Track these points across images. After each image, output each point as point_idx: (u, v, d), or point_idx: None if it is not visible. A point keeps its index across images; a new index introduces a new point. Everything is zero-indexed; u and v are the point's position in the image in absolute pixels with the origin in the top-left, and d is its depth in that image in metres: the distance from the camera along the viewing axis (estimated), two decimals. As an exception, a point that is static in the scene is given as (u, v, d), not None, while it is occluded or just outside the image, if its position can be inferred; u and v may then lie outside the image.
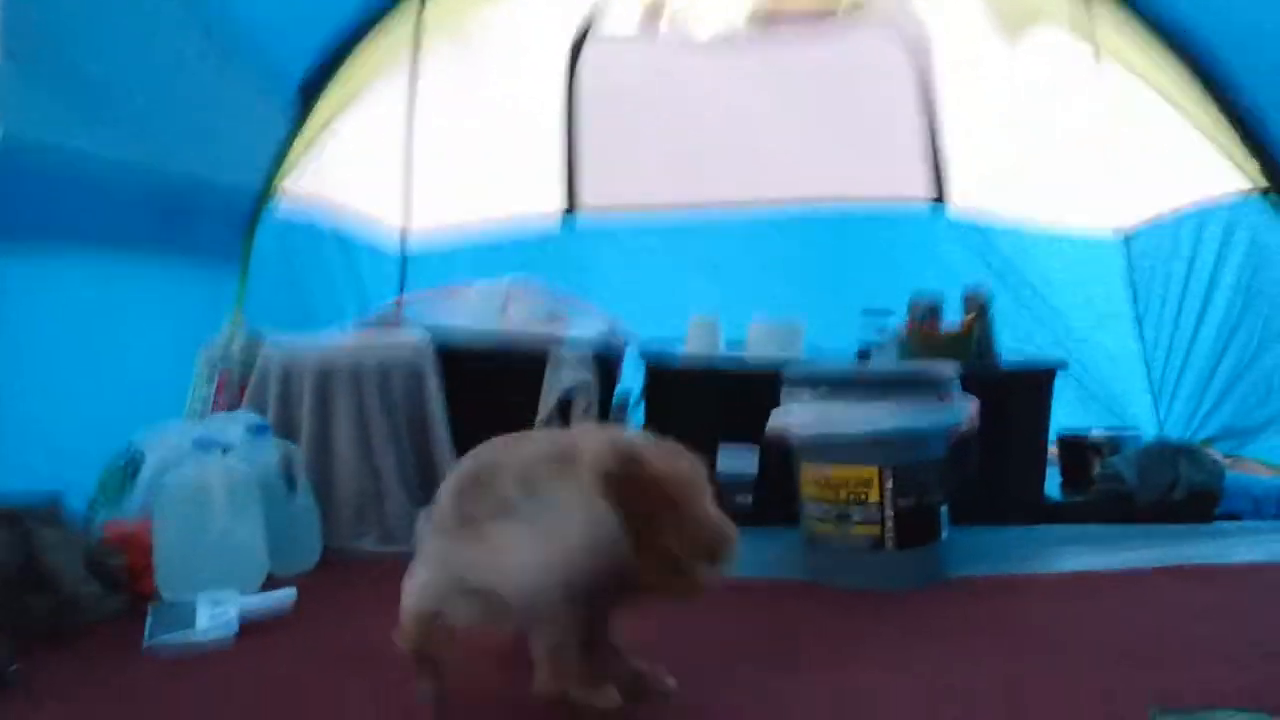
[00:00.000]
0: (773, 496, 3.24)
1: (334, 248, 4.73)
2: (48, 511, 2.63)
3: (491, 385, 3.61)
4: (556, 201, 5.14)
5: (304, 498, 3.02)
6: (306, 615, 2.52)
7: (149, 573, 2.65)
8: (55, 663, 2.23)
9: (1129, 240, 4.73)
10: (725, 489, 2.22)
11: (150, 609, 2.48)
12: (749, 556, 2.83)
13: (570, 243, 5.07)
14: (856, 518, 2.76)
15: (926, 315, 3.74)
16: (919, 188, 4.98)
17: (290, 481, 2.98)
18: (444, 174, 5.11)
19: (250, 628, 2.42)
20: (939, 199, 4.96)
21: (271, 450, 2.99)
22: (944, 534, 2.85)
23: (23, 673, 2.11)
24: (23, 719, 1.97)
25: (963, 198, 4.93)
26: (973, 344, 3.60)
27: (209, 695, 2.10)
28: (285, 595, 2.51)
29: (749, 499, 3.38)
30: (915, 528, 2.78)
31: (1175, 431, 4.30)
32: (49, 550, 2.41)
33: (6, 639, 2.22)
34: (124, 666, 2.24)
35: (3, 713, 1.99)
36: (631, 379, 3.86)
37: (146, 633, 2.36)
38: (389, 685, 2.13)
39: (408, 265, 5.10)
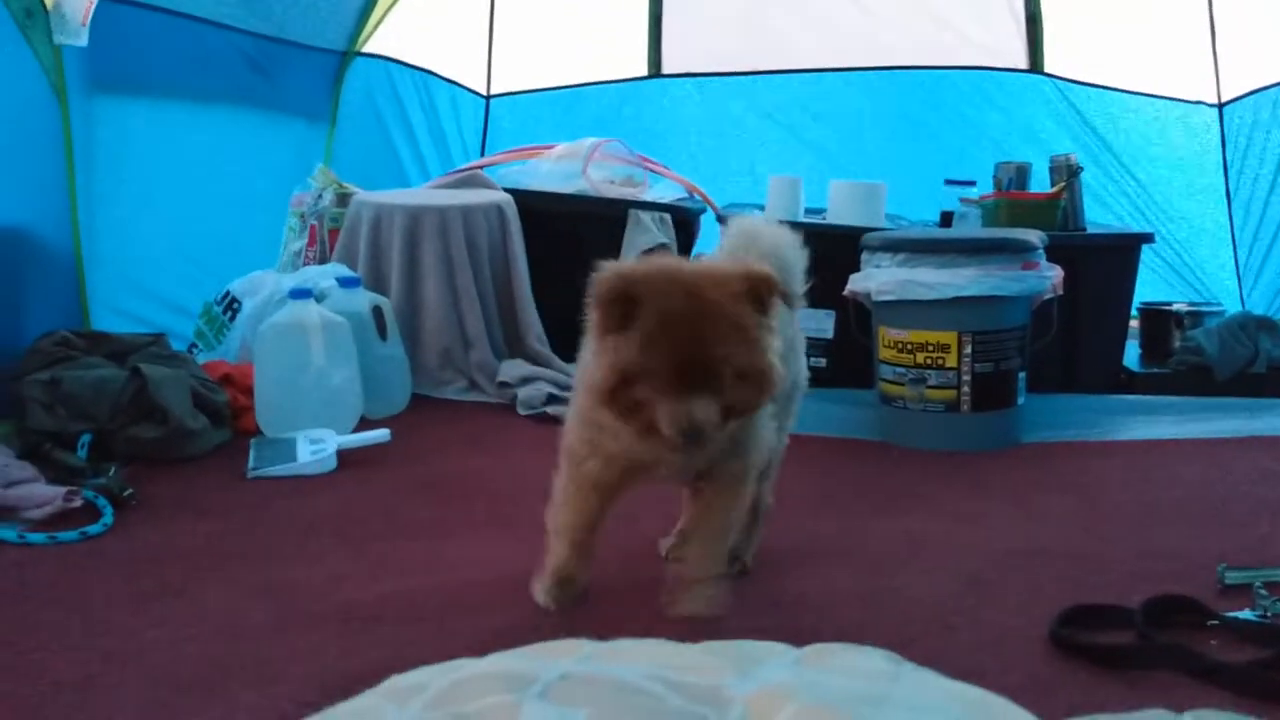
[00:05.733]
0: (847, 359, 3.28)
1: (418, 105, 4.75)
2: (154, 349, 2.76)
3: (572, 244, 3.66)
4: (640, 66, 5.08)
5: (394, 346, 3.12)
6: (397, 452, 2.63)
7: (249, 411, 2.79)
8: (167, 487, 2.37)
9: (1225, 111, 4.57)
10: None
11: (252, 443, 2.62)
12: (824, 416, 2.92)
13: (652, 105, 5.03)
14: (932, 381, 2.79)
15: (1013, 181, 3.68)
16: (1010, 54, 4.84)
17: (381, 330, 3.07)
18: (526, 37, 5.08)
19: (346, 462, 2.54)
20: (1031, 67, 4.82)
21: (363, 300, 3.07)
22: (1020, 400, 2.88)
23: (137, 496, 2.25)
24: (145, 530, 2.11)
25: (1055, 65, 4.78)
26: (1060, 211, 3.55)
27: (311, 515, 2.23)
28: (380, 434, 2.62)
29: (824, 361, 3.40)
30: (992, 392, 2.81)
31: (1259, 307, 4.22)
32: (157, 385, 2.52)
33: (120, 466, 2.38)
34: (232, 491, 2.38)
35: (125, 526, 2.13)
36: (709, 239, 3.88)
37: (250, 463, 2.50)
38: (473, 512, 2.27)
39: (491, 122, 5.11)
